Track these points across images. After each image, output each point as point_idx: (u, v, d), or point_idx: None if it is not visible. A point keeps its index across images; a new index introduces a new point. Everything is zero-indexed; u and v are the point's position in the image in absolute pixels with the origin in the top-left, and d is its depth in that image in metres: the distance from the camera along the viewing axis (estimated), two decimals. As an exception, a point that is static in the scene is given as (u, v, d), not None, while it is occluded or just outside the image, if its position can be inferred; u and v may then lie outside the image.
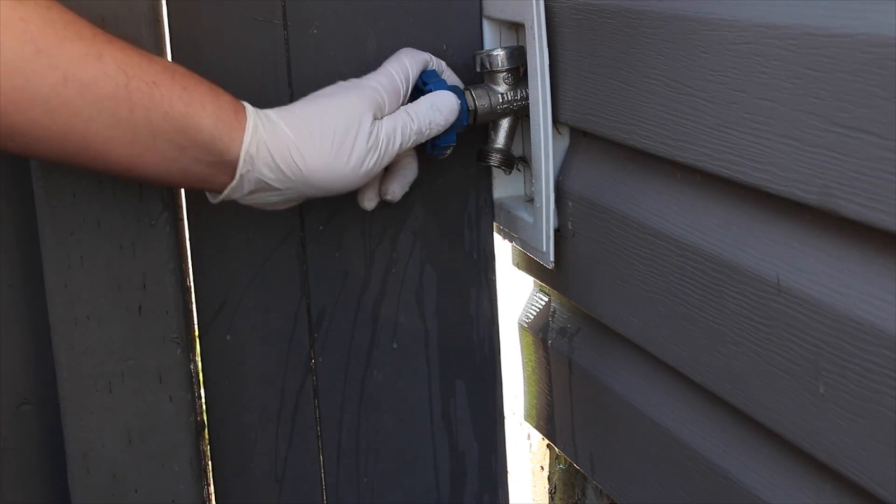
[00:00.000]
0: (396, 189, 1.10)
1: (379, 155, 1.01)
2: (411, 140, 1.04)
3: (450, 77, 1.11)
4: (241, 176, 0.99)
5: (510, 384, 1.30)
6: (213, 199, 1.03)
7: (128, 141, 0.95)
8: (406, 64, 1.07)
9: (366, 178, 1.02)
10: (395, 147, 1.03)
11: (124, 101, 0.93)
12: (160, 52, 1.06)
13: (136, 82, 0.94)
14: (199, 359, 1.17)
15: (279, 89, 1.12)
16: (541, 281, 1.24)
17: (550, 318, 1.25)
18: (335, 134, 1.00)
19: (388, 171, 1.11)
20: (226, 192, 1.00)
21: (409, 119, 1.04)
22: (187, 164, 0.97)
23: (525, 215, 1.16)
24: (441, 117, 1.06)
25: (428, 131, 1.06)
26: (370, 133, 1.01)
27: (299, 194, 1.02)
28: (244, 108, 0.99)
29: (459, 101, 1.08)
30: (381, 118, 1.03)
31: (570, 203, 1.11)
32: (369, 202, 1.11)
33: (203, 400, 1.18)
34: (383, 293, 1.20)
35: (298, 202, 1.05)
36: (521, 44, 1.14)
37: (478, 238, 1.22)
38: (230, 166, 0.98)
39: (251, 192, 1.01)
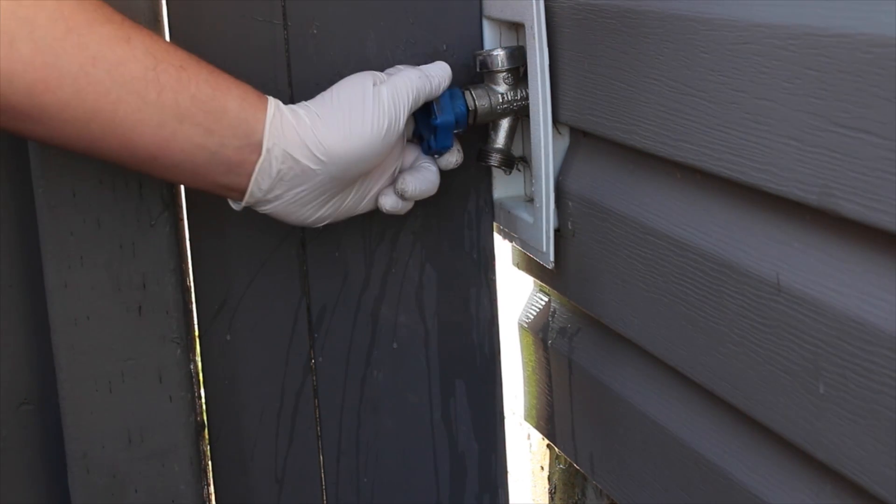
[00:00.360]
0: (409, 180, 1.08)
1: (389, 116, 1.02)
2: (413, 91, 1.04)
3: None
4: (268, 150, 0.99)
5: (510, 384, 1.30)
6: (237, 206, 1.03)
7: (155, 124, 0.95)
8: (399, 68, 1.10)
9: (386, 144, 1.02)
10: (402, 105, 1.03)
11: (153, 83, 0.94)
12: (160, 52, 1.06)
13: (164, 65, 0.95)
14: (199, 359, 1.17)
15: (279, 89, 1.12)
16: (541, 281, 1.24)
17: (550, 318, 1.25)
18: (343, 103, 1.02)
19: (403, 169, 1.10)
20: (251, 180, 0.99)
21: (404, 79, 1.05)
22: (214, 149, 0.97)
23: (525, 215, 1.16)
24: (437, 71, 1.07)
25: (428, 87, 1.06)
26: (374, 96, 1.02)
27: (330, 177, 1.01)
28: (265, 96, 1.01)
29: (448, 70, 1.08)
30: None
31: (570, 203, 1.11)
32: (385, 198, 1.09)
33: (203, 400, 1.18)
34: (383, 293, 1.20)
35: (329, 197, 1.04)
36: (521, 44, 1.14)
37: (478, 238, 1.22)
38: (256, 149, 0.98)
39: (280, 181, 1.00)
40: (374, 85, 1.03)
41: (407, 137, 1.11)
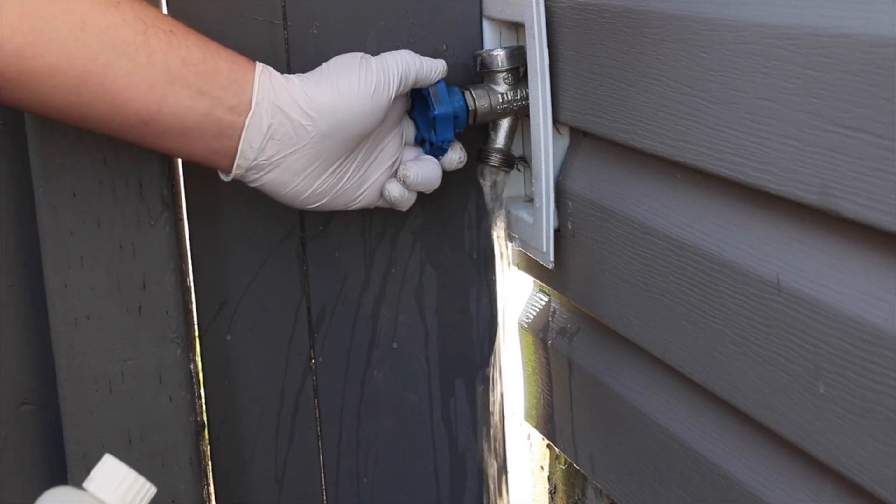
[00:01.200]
0: (410, 166, 1.08)
1: (377, 78, 1.03)
2: (402, 63, 1.05)
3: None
4: (258, 104, 0.99)
5: (510, 384, 1.30)
6: (227, 177, 1.03)
7: (146, 87, 0.96)
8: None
9: (376, 104, 1.03)
10: (391, 73, 1.04)
11: (143, 47, 0.95)
12: (160, 52, 1.07)
13: (154, 29, 0.96)
14: (199, 359, 1.17)
15: (279, 89, 1.12)
16: (541, 281, 1.24)
17: (550, 318, 1.25)
18: (332, 69, 1.03)
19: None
20: (242, 138, 0.99)
21: (394, 53, 1.06)
22: (205, 111, 0.98)
23: (525, 215, 1.16)
24: (431, 59, 1.08)
25: (418, 65, 1.06)
26: (362, 64, 1.03)
27: (322, 135, 1.01)
28: (254, 60, 1.02)
29: (444, 64, 1.09)
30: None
31: (570, 203, 1.11)
32: (391, 186, 1.09)
33: (203, 400, 1.18)
34: (383, 293, 1.20)
35: (323, 166, 1.03)
36: (521, 44, 1.14)
37: (478, 238, 1.22)
38: (246, 109, 0.99)
39: (271, 139, 1.00)
40: (363, 58, 1.05)
41: (407, 140, 1.11)
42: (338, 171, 1.04)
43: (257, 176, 1.03)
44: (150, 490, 0.86)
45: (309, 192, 1.04)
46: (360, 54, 1.05)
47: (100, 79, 0.94)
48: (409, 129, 1.11)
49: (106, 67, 0.94)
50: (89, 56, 0.93)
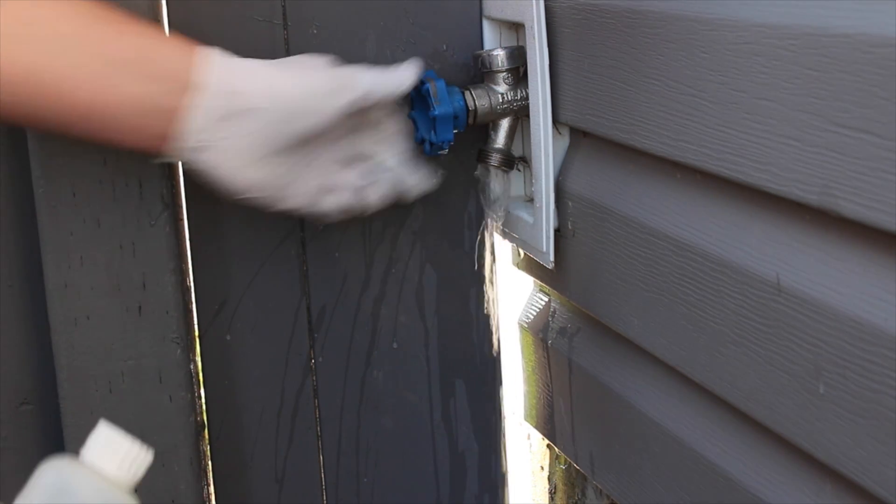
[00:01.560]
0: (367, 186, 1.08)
1: (342, 81, 1.02)
2: (370, 81, 1.03)
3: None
4: (203, 88, 0.98)
5: (510, 384, 1.30)
6: (167, 158, 1.03)
7: (91, 75, 0.96)
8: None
9: (337, 103, 1.02)
10: (357, 79, 1.03)
11: (85, 38, 0.95)
12: (160, 52, 1.06)
13: (96, 20, 0.96)
14: (199, 359, 1.17)
15: (279, 89, 1.12)
16: (541, 281, 1.24)
17: (550, 318, 1.25)
18: (299, 62, 1.03)
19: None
20: (191, 116, 0.98)
21: (366, 69, 1.05)
22: (154, 98, 0.97)
23: (525, 215, 1.16)
24: (396, 69, 1.06)
25: (386, 80, 1.05)
26: (328, 66, 1.03)
27: (275, 120, 1.00)
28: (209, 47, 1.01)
29: (415, 72, 1.07)
30: None
31: (570, 203, 1.11)
32: (334, 197, 1.08)
33: (203, 400, 1.18)
34: (383, 293, 1.20)
35: (270, 153, 1.01)
36: (521, 44, 1.14)
37: (478, 238, 1.22)
38: (199, 88, 0.98)
39: (221, 121, 0.98)
40: (333, 61, 1.04)
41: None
42: (283, 161, 1.02)
43: (202, 155, 1.00)
44: (146, 456, 0.86)
45: (249, 177, 1.02)
46: (332, 59, 1.04)
47: (43, 70, 0.95)
48: (372, 146, 1.09)
49: (51, 59, 0.95)
50: (33, 50, 0.94)
